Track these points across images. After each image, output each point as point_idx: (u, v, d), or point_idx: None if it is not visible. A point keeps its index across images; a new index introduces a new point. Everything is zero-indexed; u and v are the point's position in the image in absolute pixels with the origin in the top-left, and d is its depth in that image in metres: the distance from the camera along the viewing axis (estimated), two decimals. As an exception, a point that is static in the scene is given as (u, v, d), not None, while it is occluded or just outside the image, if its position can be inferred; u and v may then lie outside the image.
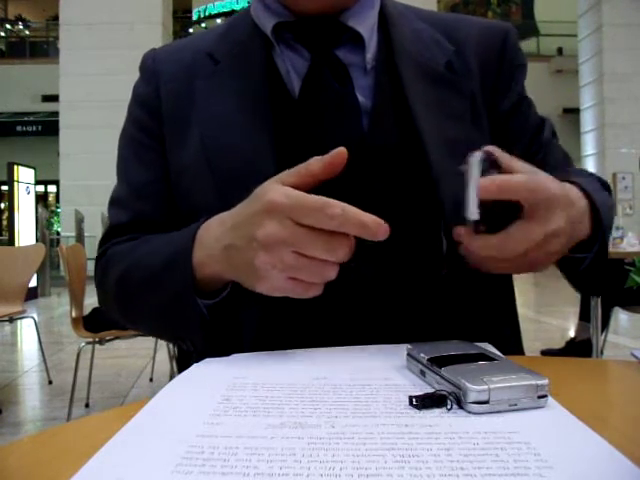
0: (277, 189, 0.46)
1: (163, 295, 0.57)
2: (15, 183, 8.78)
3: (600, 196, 0.58)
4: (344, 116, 0.63)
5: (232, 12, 12.93)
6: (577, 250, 0.56)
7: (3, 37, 15.94)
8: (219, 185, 0.62)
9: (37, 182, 9.50)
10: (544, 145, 0.75)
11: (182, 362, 0.74)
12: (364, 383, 0.42)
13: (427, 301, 0.62)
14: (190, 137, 0.65)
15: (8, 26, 16.19)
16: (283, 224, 0.45)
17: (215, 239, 0.52)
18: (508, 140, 0.70)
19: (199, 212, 0.62)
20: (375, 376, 0.43)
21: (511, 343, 0.67)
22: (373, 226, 0.44)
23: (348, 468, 0.28)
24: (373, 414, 0.35)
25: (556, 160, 0.78)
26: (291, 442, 0.31)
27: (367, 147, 0.62)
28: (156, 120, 0.68)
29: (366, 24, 0.65)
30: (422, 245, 0.62)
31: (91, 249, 5.99)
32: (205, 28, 13.87)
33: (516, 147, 0.72)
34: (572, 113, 10.73)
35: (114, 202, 0.72)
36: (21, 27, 16.46)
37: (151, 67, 0.71)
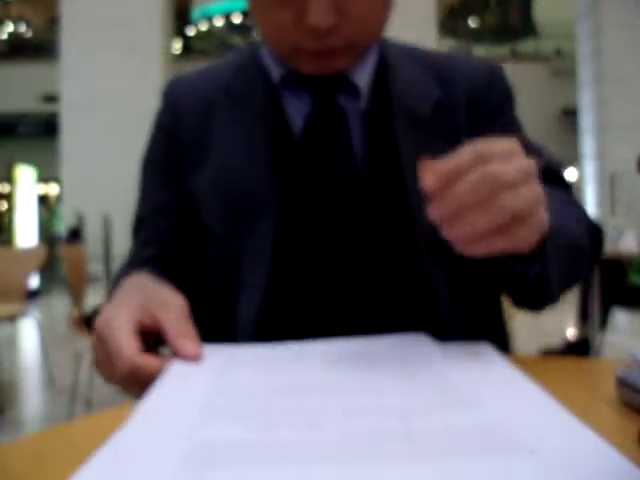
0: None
1: None
2: (16, 183, 8.78)
3: (565, 221, 0.57)
4: (339, 159, 0.68)
5: (231, 13, 12.87)
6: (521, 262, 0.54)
7: (4, 37, 15.90)
8: (226, 213, 0.68)
9: (38, 182, 9.50)
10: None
11: None
12: (364, 383, 0.42)
13: (411, 317, 0.65)
14: (209, 163, 0.71)
15: (9, 26, 16.15)
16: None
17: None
18: None
19: (210, 235, 0.70)
20: (374, 375, 0.44)
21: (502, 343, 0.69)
22: None
23: (349, 467, 0.29)
24: (372, 413, 0.36)
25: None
26: (291, 441, 0.32)
27: (360, 190, 0.67)
28: (178, 149, 0.74)
29: (364, 74, 0.71)
30: (402, 276, 0.66)
31: (92, 249, 5.99)
32: (204, 30, 13.84)
33: None
34: (571, 114, 10.70)
35: (138, 221, 0.77)
36: (23, 27, 16.41)
37: (174, 99, 0.77)
